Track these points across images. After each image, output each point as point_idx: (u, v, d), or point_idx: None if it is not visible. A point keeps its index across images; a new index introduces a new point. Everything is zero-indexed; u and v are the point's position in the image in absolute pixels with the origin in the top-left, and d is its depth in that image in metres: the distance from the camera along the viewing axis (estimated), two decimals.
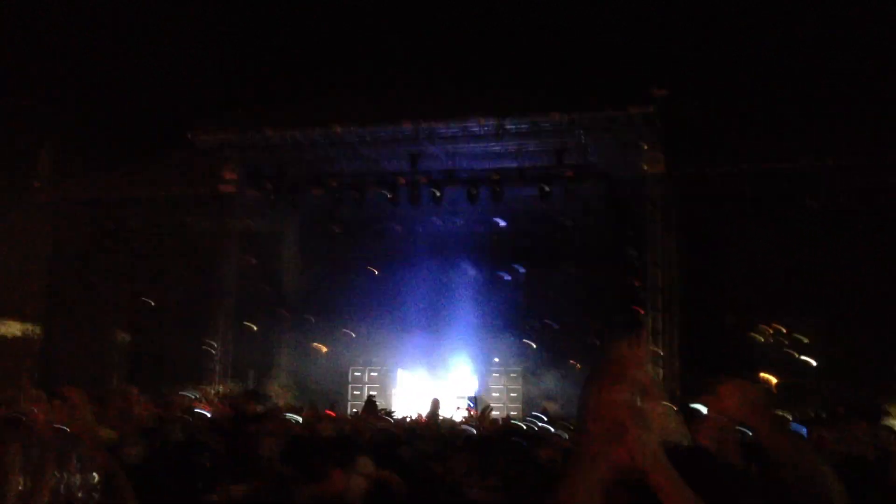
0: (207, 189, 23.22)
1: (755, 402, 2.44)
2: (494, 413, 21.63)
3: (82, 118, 24.98)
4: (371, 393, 21.86)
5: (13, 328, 25.35)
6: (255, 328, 25.30)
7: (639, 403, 2.09)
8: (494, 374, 23.78)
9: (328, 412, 12.79)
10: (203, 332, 23.40)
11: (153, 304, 25.50)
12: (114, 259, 25.19)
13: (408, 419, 15.60)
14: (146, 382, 18.23)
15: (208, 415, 12.53)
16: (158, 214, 23.72)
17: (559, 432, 10.97)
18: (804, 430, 17.85)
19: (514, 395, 23.40)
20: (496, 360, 23.98)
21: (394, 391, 23.63)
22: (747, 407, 2.43)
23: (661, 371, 20.17)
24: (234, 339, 23.17)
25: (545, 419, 14.58)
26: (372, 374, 24.19)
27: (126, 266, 25.41)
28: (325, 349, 25.46)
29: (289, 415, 10.44)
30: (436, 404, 8.44)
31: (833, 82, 20.94)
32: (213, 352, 22.80)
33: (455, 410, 18.66)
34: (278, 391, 24.15)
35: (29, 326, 24.73)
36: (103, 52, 23.51)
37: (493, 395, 23.01)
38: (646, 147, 20.47)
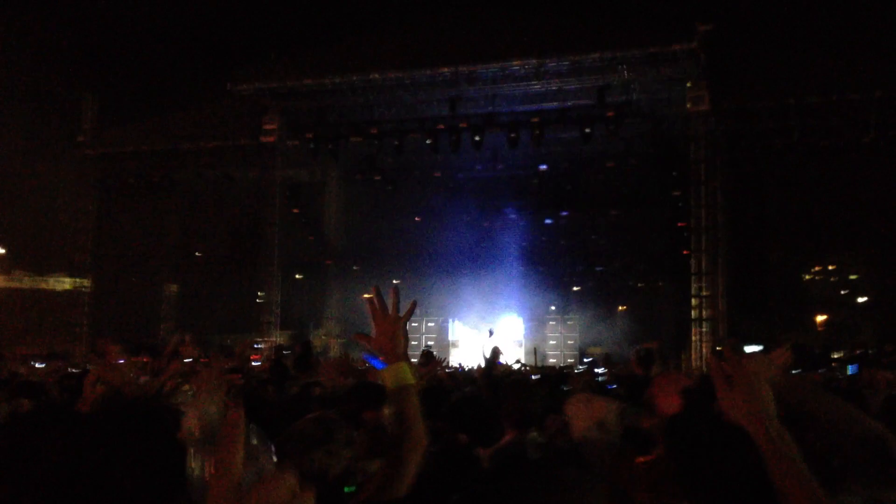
0: (249, 139, 23.26)
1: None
2: (551, 360, 21.72)
3: (122, 70, 25.16)
4: (428, 343, 21.88)
5: (63, 282, 25.84)
6: (301, 278, 25.54)
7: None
8: (551, 322, 23.65)
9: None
10: (249, 283, 23.65)
11: (200, 255, 25.85)
12: (159, 211, 25.51)
13: (466, 368, 15.72)
14: (196, 333, 18.51)
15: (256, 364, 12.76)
16: (202, 165, 23.82)
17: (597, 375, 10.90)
18: (854, 369, 17.70)
19: (571, 342, 23.23)
20: (552, 307, 23.84)
21: (451, 341, 23.64)
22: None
23: (706, 311, 19.99)
24: (281, 290, 23.30)
25: (594, 363, 14.63)
26: (429, 324, 24.21)
27: (171, 218, 25.74)
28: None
29: None
30: (495, 352, 8.30)
31: (881, 12, 20.36)
32: (262, 302, 22.99)
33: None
34: (326, 341, 24.43)
35: (77, 280, 25.16)
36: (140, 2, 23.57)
37: (550, 342, 22.93)
38: (689, 84, 20.08)
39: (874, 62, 19.21)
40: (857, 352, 21.98)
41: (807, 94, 19.49)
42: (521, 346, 22.03)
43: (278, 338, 22.46)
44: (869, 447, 2.15)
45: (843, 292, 23.56)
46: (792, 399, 2.32)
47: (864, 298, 23.02)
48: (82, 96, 24.62)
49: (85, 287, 24.99)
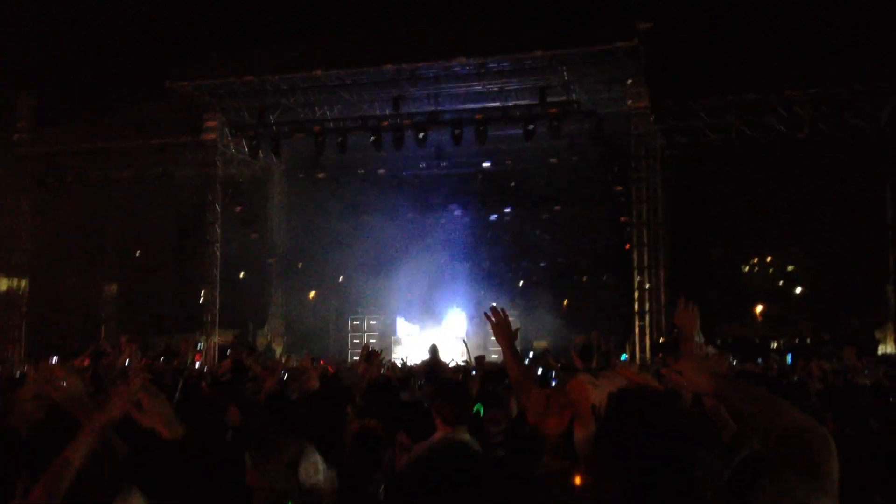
0: (190, 137, 22.89)
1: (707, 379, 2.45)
2: (494, 356, 21.78)
3: (58, 67, 24.60)
4: (371, 341, 21.85)
5: None
6: (244, 277, 25.30)
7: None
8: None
9: (321, 362, 12.78)
10: (191, 282, 23.33)
11: (139, 254, 25.45)
12: (98, 210, 24.96)
13: (407, 364, 15.75)
14: (135, 334, 18.22)
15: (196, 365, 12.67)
16: (142, 164, 23.37)
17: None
18: (789, 357, 18.15)
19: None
20: (493, 304, 23.90)
21: (393, 339, 23.61)
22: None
23: (647, 304, 20.27)
24: (225, 289, 23.02)
25: (536, 359, 14.72)
26: (371, 321, 24.16)
27: (110, 217, 25.25)
28: (317, 296, 25.52)
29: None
30: (434, 350, 8.24)
31: (817, 11, 20.80)
32: (203, 301, 22.69)
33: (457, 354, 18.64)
34: (270, 340, 24.25)
35: (15, 281, 24.59)
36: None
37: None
38: (630, 82, 20.28)
39: (809, 60, 19.62)
40: (795, 341, 22.58)
41: (744, 91, 19.85)
42: (464, 342, 22.09)
43: (218, 337, 22.23)
44: (791, 439, 2.21)
45: (780, 284, 24.14)
46: (720, 395, 2.42)
47: (801, 290, 23.61)
48: (18, 94, 24.01)
49: (22, 288, 24.45)
